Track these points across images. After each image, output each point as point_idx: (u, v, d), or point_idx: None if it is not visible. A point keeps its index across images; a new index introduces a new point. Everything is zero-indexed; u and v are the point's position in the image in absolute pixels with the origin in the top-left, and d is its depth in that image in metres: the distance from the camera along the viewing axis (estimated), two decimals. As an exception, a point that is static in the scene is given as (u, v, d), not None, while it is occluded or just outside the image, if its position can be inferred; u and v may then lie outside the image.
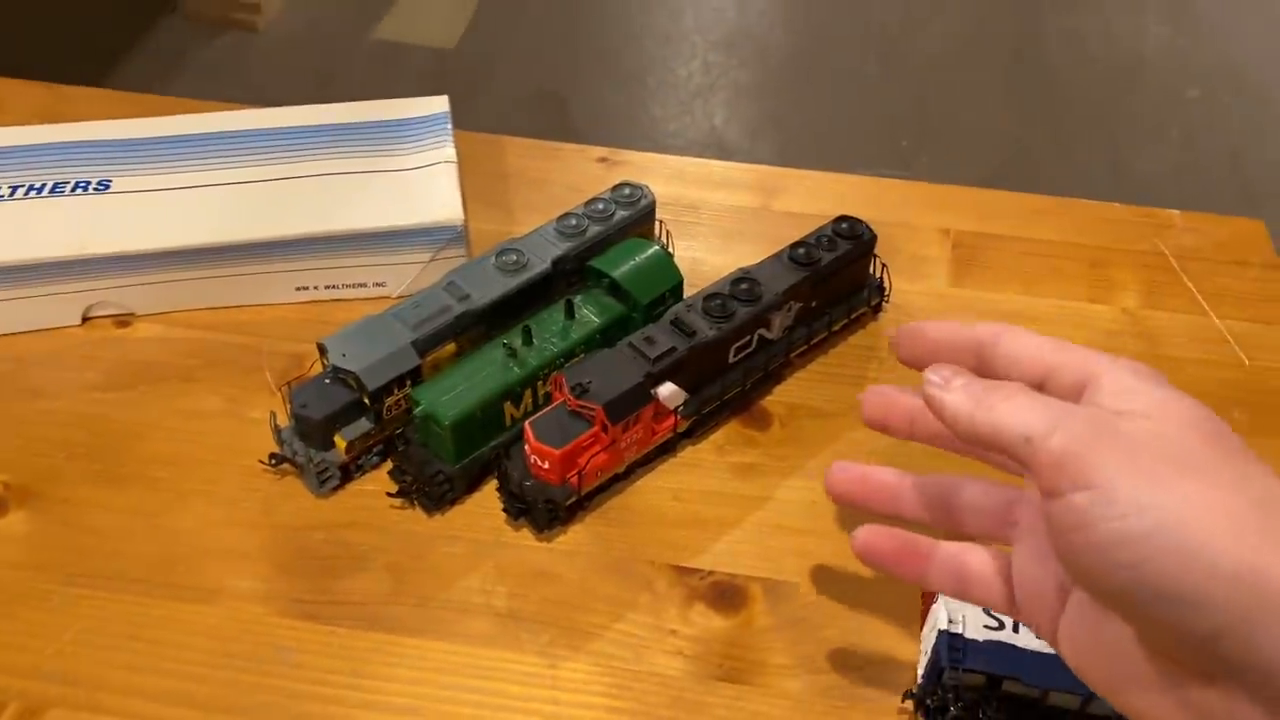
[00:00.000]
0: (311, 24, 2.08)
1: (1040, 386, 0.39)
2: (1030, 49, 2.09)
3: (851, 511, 0.58)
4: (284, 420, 0.59)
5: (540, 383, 0.58)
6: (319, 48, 2.03)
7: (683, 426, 0.60)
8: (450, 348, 0.59)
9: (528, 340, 0.58)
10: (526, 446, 0.55)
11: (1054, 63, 2.06)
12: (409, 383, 0.57)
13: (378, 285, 0.67)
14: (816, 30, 2.13)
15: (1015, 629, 0.48)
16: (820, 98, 1.98)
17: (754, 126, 1.93)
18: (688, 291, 0.63)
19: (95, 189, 0.66)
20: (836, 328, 0.66)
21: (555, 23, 2.11)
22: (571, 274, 0.63)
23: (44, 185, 0.66)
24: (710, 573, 0.56)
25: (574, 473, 0.55)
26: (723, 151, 1.85)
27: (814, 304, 0.63)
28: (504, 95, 1.92)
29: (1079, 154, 1.87)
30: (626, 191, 0.66)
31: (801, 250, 0.62)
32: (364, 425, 0.57)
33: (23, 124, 0.72)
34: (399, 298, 0.67)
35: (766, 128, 1.93)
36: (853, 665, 0.52)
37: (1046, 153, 1.88)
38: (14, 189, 0.66)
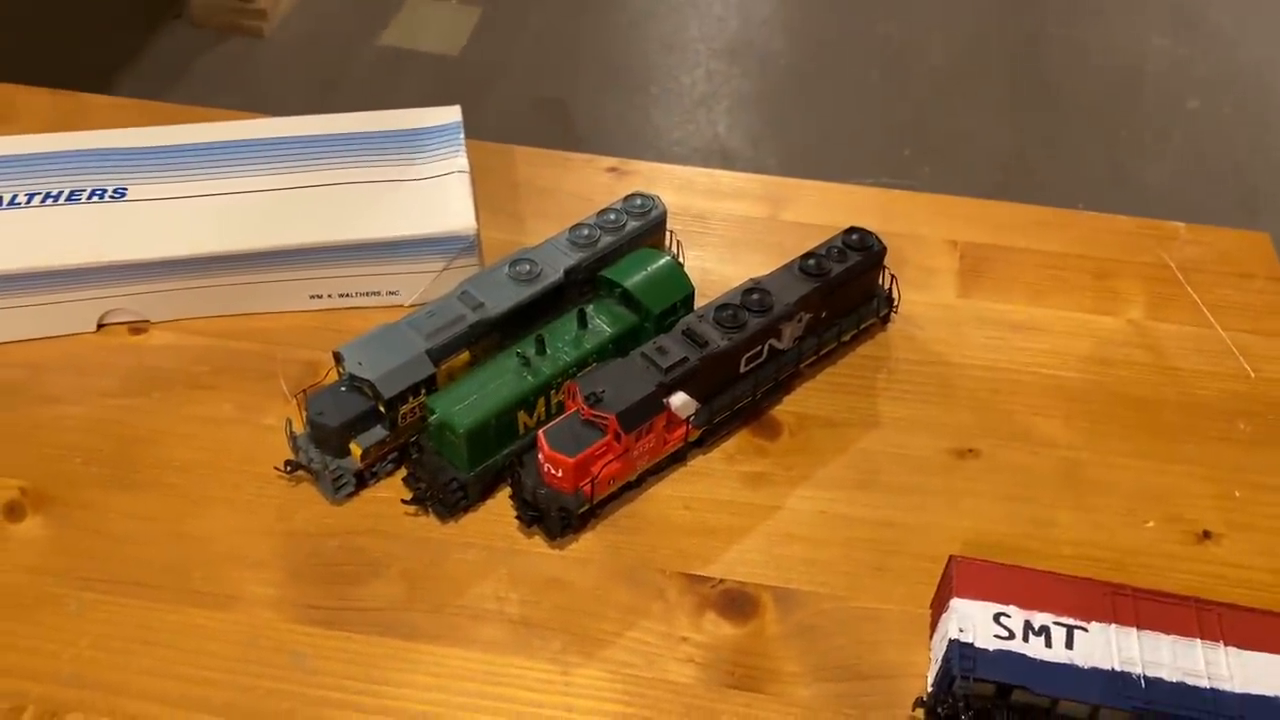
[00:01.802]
0: (317, 30, 2.09)
1: None
2: (1032, 60, 2.10)
3: (860, 520, 0.59)
4: (299, 427, 0.59)
5: (553, 391, 0.59)
6: (324, 54, 2.03)
7: (694, 436, 0.60)
8: (464, 356, 0.60)
9: (541, 349, 0.59)
10: (540, 455, 0.56)
11: (1056, 73, 2.07)
12: (424, 391, 0.58)
13: (391, 294, 0.68)
14: (819, 39, 2.14)
15: (1025, 639, 0.49)
16: (823, 107, 1.98)
17: (757, 135, 1.93)
18: (697, 301, 0.63)
19: (111, 197, 0.67)
20: (846, 338, 0.66)
21: (558, 30, 2.12)
22: (584, 284, 0.64)
23: (60, 193, 0.67)
24: (721, 581, 0.56)
25: (587, 481, 0.56)
26: (725, 160, 1.86)
27: (824, 314, 0.63)
28: (507, 102, 1.92)
29: (1081, 164, 1.88)
30: (638, 202, 0.67)
31: (812, 261, 0.63)
32: (379, 433, 0.58)
33: (37, 131, 0.73)
34: (412, 306, 0.68)
35: (769, 136, 1.94)
36: (863, 673, 0.53)
37: (1048, 163, 1.88)
38: (30, 196, 0.67)
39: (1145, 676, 0.48)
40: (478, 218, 0.67)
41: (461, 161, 0.70)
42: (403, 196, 0.68)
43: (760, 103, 2.01)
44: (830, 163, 1.85)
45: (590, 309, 0.61)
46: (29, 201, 0.66)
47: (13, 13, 1.97)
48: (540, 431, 0.56)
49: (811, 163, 1.85)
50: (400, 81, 1.96)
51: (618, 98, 1.99)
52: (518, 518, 0.58)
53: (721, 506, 0.59)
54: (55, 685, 0.51)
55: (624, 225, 0.65)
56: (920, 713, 0.50)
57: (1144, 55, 2.12)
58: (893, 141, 1.91)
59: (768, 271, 0.63)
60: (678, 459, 0.61)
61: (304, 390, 0.59)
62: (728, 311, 0.60)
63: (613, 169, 0.79)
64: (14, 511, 0.58)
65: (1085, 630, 0.49)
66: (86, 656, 0.52)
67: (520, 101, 1.94)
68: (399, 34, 2.09)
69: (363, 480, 0.59)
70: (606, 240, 0.64)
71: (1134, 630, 0.49)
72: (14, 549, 0.56)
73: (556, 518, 0.56)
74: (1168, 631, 0.49)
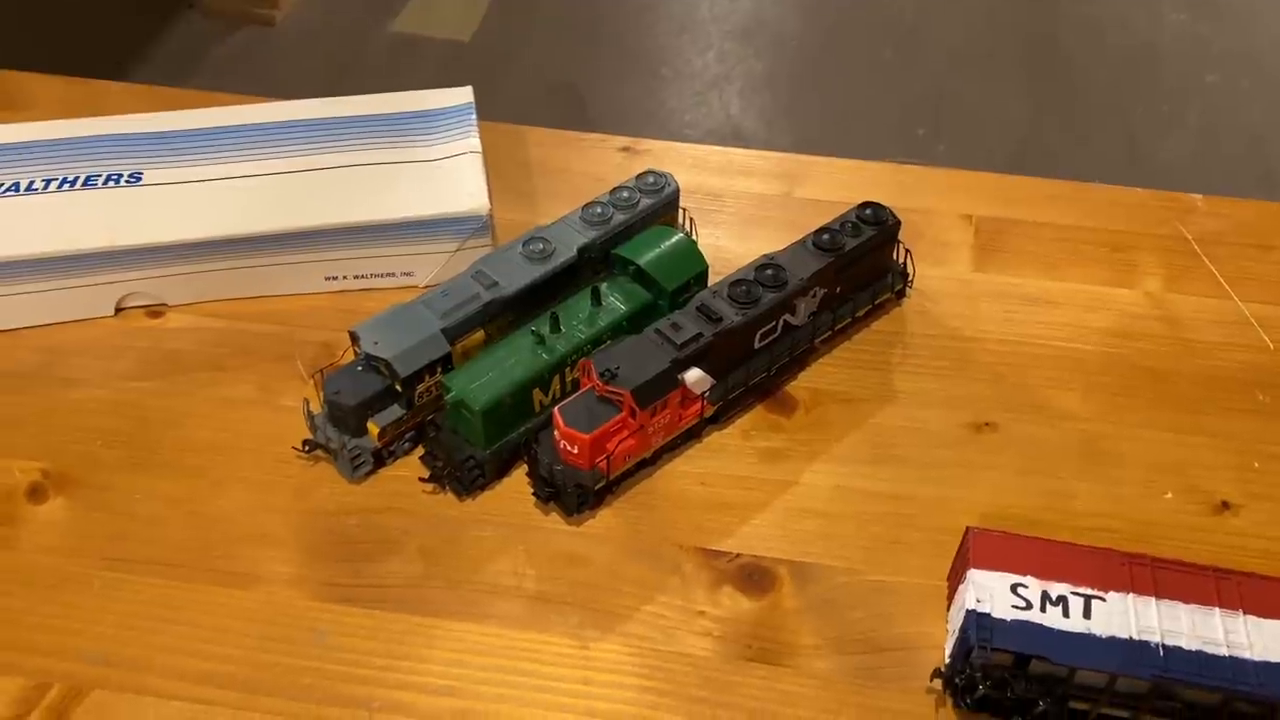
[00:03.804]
0: (327, 18, 2.09)
1: None
2: (1047, 36, 2.08)
3: (876, 495, 0.59)
4: (317, 407, 0.59)
5: (568, 369, 0.59)
6: (335, 42, 2.03)
7: (709, 412, 0.60)
8: (479, 335, 0.60)
9: (555, 327, 0.59)
10: (556, 432, 0.56)
11: (1071, 50, 2.05)
12: (440, 369, 0.58)
13: (405, 275, 0.68)
14: (832, 19, 2.13)
15: (1043, 609, 0.48)
16: (836, 87, 1.97)
17: (770, 116, 1.93)
18: (712, 279, 0.63)
19: (127, 181, 0.67)
20: (861, 313, 0.66)
21: (570, 14, 2.11)
22: (598, 262, 0.64)
23: (76, 178, 0.67)
24: (737, 555, 0.56)
25: (603, 457, 0.56)
26: (739, 141, 1.85)
27: (838, 290, 0.63)
28: (519, 87, 1.92)
29: (1097, 141, 1.87)
30: (651, 180, 0.67)
31: (826, 236, 0.63)
32: (396, 411, 0.58)
33: (52, 118, 0.73)
34: (426, 287, 0.68)
35: (782, 118, 1.93)
36: (881, 645, 0.53)
37: (1064, 140, 1.87)
38: (47, 182, 0.67)
39: (1164, 645, 0.47)
40: (490, 198, 0.67)
41: (474, 142, 0.70)
42: (416, 177, 0.68)
43: (773, 83, 2.00)
44: (844, 143, 1.84)
45: (604, 287, 0.62)
46: (45, 187, 0.67)
47: (26, 4, 1.98)
48: (556, 409, 0.56)
49: (825, 143, 1.84)
50: (412, 68, 1.96)
51: (630, 80, 1.99)
52: (534, 495, 0.58)
53: (737, 482, 0.59)
54: (79, 663, 0.52)
55: (637, 203, 0.65)
56: (938, 683, 0.50)
57: (1160, 30, 2.10)
58: (907, 121, 1.90)
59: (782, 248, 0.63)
60: (693, 435, 0.61)
61: (321, 370, 0.59)
62: (742, 287, 0.60)
63: (625, 148, 0.79)
64: (37, 493, 0.58)
65: (1103, 600, 0.49)
66: (110, 635, 0.53)
67: (532, 86, 1.94)
68: (410, 20, 2.09)
69: (380, 459, 0.59)
70: (620, 218, 0.64)
71: (1152, 599, 0.49)
72: (37, 530, 0.57)
73: (573, 494, 0.56)
74: (1186, 600, 0.49)
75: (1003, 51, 2.06)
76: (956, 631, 0.50)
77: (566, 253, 0.62)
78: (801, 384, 0.64)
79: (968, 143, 1.87)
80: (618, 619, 0.54)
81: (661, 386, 0.56)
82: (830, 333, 0.65)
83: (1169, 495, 0.59)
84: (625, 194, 0.66)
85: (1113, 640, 0.48)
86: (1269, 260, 0.72)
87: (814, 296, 0.62)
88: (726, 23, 2.10)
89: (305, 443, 0.59)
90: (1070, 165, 1.81)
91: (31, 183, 0.67)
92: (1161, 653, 0.47)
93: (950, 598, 0.53)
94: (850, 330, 0.67)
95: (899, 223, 0.65)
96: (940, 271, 0.71)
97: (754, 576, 0.55)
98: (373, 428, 0.58)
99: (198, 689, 0.51)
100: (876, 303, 0.67)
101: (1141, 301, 0.70)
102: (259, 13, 2.05)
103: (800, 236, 0.64)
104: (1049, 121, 1.91)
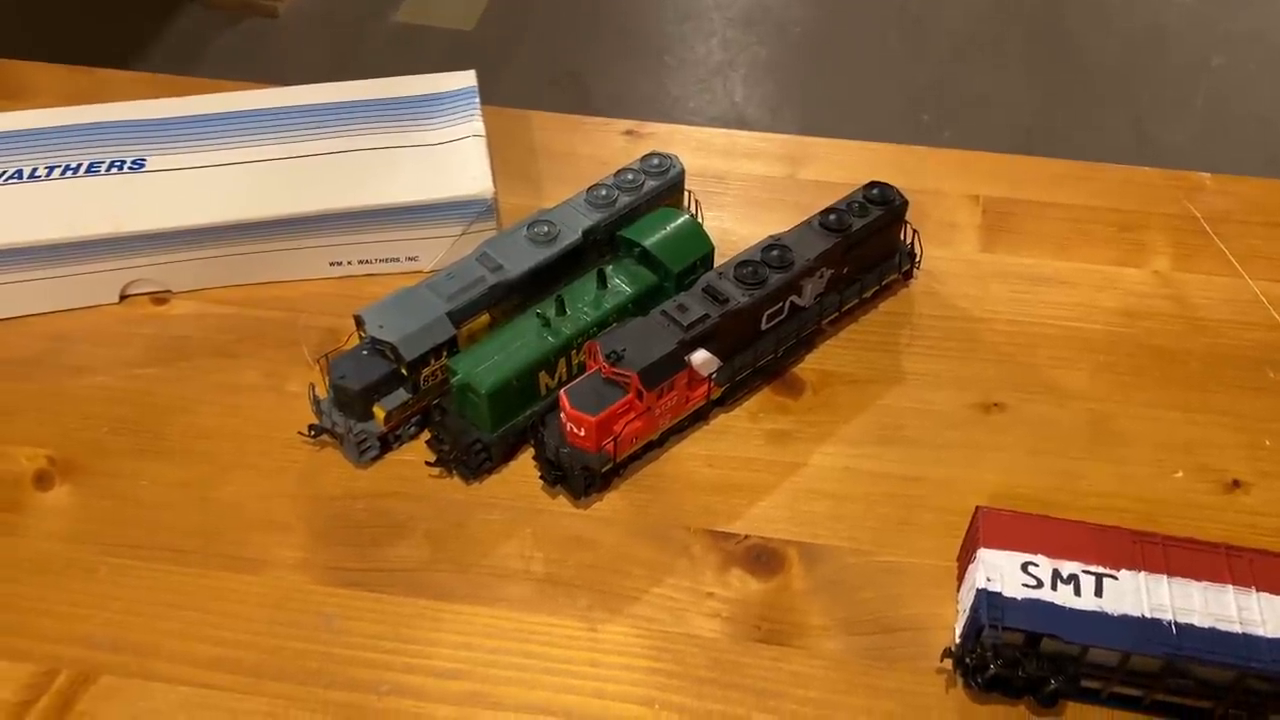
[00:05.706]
0: (330, 8, 2.09)
1: None
2: (1051, 21, 2.07)
3: (885, 476, 0.59)
4: (323, 392, 0.59)
5: (574, 352, 0.59)
6: (338, 32, 2.03)
7: (716, 393, 0.60)
8: (484, 318, 0.59)
9: (561, 310, 0.59)
10: (562, 414, 0.56)
11: (1076, 34, 2.04)
12: (445, 353, 0.58)
13: (410, 259, 0.68)
14: (836, 5, 2.12)
15: (1054, 587, 0.48)
16: (840, 73, 1.97)
17: (774, 103, 1.92)
18: (717, 261, 0.63)
19: (130, 168, 0.67)
20: (868, 294, 0.66)
21: (572, 3, 2.11)
22: (602, 244, 0.63)
23: (80, 165, 0.67)
24: (746, 537, 0.56)
25: (609, 440, 0.56)
26: (743, 128, 1.85)
27: (845, 270, 0.63)
28: (523, 76, 1.92)
29: (1103, 126, 1.86)
30: (655, 162, 0.66)
31: (833, 216, 0.62)
32: (402, 395, 0.58)
33: (56, 106, 0.73)
34: (431, 271, 0.68)
35: (786, 105, 1.92)
36: (890, 626, 0.53)
37: (1070, 125, 1.86)
38: (50, 169, 0.67)
39: (1176, 623, 0.47)
40: (495, 181, 0.67)
41: (477, 125, 0.70)
42: (420, 161, 0.68)
43: (777, 70, 1.99)
44: (849, 129, 1.83)
45: (610, 269, 0.61)
46: (49, 174, 0.67)
47: (29, -3, 1.98)
48: (562, 391, 0.56)
49: (830, 130, 1.83)
50: (415, 58, 1.95)
51: (633, 68, 1.98)
52: (541, 478, 0.58)
53: (745, 464, 0.59)
54: (87, 649, 0.52)
55: (642, 185, 0.65)
56: (949, 663, 0.50)
57: (1166, 13, 2.09)
58: (912, 107, 1.89)
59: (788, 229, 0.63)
60: (700, 417, 0.61)
61: (326, 355, 0.59)
62: (748, 268, 0.59)
63: (629, 131, 0.79)
64: (43, 480, 0.58)
65: (1115, 578, 0.49)
66: (118, 621, 0.53)
67: (535, 76, 1.93)
68: (412, 10, 2.08)
69: (386, 443, 0.59)
70: (625, 200, 0.64)
71: (1164, 577, 0.49)
72: (44, 517, 0.57)
73: (580, 477, 0.56)
74: (1198, 578, 0.49)
75: (1007, 36, 2.05)
76: (967, 611, 0.50)
77: (571, 235, 0.62)
78: (809, 365, 0.64)
79: (973, 129, 1.86)
80: (626, 601, 0.53)
81: (668, 368, 0.56)
82: (837, 314, 0.65)
83: (1179, 474, 0.59)
84: (630, 176, 0.65)
85: (1125, 618, 0.47)
86: (1278, 238, 0.72)
87: (821, 277, 0.61)
88: (730, 10, 2.09)
89: (311, 428, 0.59)
90: (1076, 151, 1.79)
91: (35, 170, 0.67)
92: (1174, 630, 0.47)
93: (960, 578, 0.53)
94: (857, 311, 0.66)
95: (906, 202, 0.64)
96: (947, 252, 0.70)
97: (763, 558, 0.55)
98: (379, 412, 0.58)
99: (206, 674, 0.51)
100: (884, 284, 0.67)
101: (1150, 281, 0.69)
102: (262, 3, 2.04)
103: (806, 217, 0.63)
104: (1055, 106, 1.90)
